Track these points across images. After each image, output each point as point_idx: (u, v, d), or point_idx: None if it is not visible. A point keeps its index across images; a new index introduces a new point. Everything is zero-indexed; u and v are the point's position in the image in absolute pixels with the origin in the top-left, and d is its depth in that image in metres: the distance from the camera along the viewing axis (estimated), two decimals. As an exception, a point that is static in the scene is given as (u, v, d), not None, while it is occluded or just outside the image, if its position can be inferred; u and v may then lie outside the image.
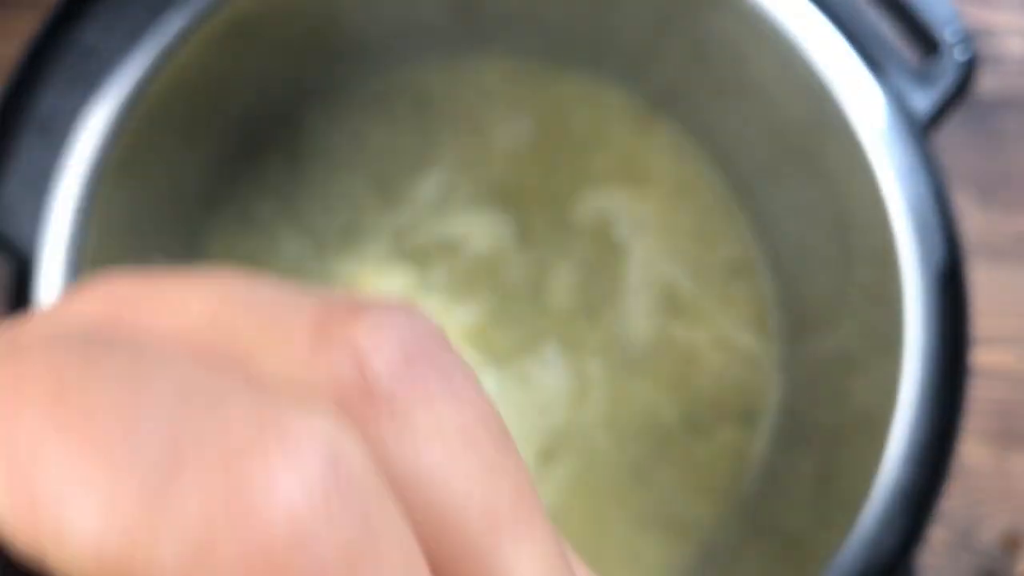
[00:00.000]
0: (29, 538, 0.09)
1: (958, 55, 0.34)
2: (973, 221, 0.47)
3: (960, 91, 0.34)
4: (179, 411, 0.09)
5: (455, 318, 0.43)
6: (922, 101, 0.34)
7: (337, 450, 0.09)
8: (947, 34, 0.34)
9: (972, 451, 0.46)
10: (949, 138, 0.48)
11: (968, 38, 0.34)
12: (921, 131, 0.33)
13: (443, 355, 0.11)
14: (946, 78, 0.34)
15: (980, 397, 0.46)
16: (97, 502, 0.09)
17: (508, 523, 0.11)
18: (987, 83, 0.47)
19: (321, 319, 0.11)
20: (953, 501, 0.46)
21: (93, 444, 0.09)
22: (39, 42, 0.33)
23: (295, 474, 0.09)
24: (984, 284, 0.47)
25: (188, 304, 0.11)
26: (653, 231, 0.44)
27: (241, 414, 0.09)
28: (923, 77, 0.34)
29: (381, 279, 0.43)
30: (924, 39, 0.34)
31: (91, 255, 0.32)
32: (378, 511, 0.09)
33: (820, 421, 0.39)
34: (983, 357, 0.46)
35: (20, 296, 0.32)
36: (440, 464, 0.10)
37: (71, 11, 0.33)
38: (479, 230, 0.44)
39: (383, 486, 0.10)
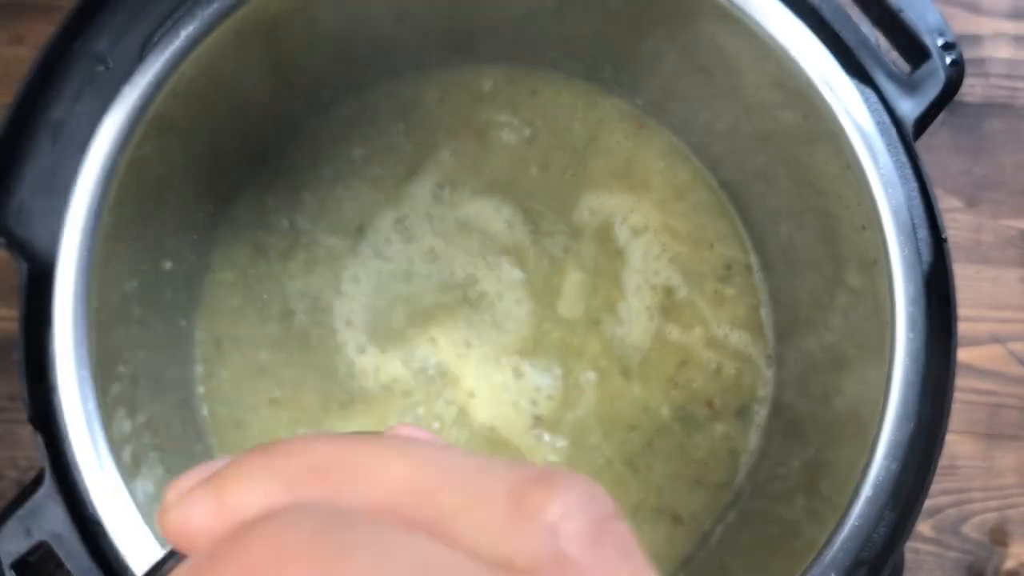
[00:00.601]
0: None
1: (946, 62, 0.34)
2: (959, 223, 0.48)
3: (947, 97, 0.35)
4: None
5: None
6: (910, 107, 0.34)
7: None
8: (936, 43, 0.34)
9: (959, 447, 0.47)
10: (936, 142, 0.48)
11: (956, 46, 0.35)
12: (909, 137, 0.34)
13: (623, 531, 0.13)
14: (934, 85, 0.34)
15: (966, 394, 0.47)
16: None
17: None
18: (974, 88, 0.48)
19: (514, 491, 0.13)
20: (941, 496, 0.47)
21: None
22: (51, 50, 0.33)
23: None
24: (970, 284, 0.48)
25: (387, 474, 0.13)
26: (650, 234, 0.44)
27: None
28: (911, 84, 0.34)
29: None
30: (913, 47, 0.35)
31: (103, 257, 0.33)
32: None
33: (811, 417, 0.39)
34: (969, 355, 0.47)
35: (35, 296, 0.32)
36: None
37: (82, 20, 0.33)
38: (490, 217, 0.44)
39: None
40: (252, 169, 0.43)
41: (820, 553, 0.32)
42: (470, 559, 0.12)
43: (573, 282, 0.44)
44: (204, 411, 0.42)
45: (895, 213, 0.33)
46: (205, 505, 0.14)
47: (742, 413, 0.43)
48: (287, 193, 0.44)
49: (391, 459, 0.13)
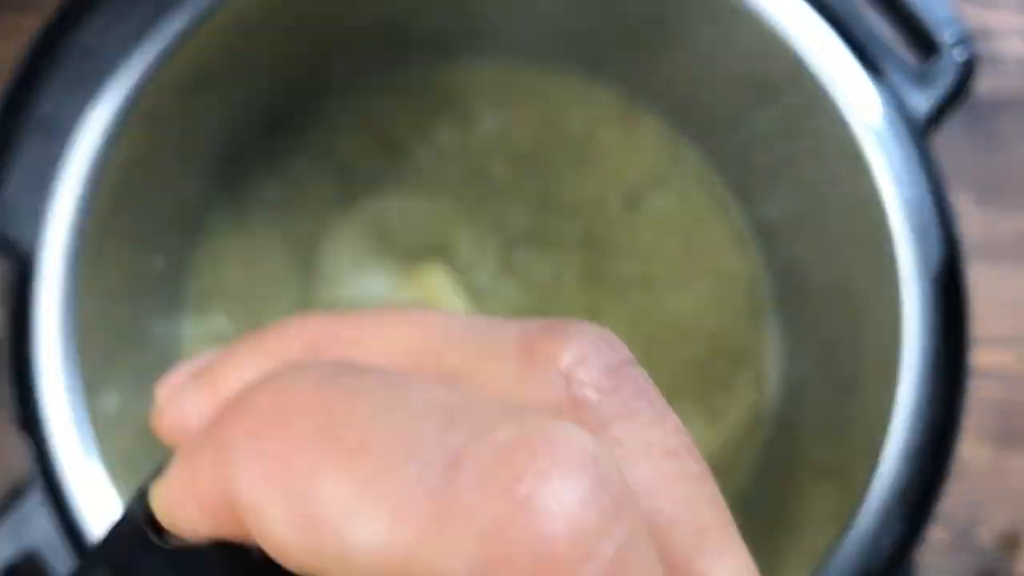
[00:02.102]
0: (309, 558, 0.10)
1: (957, 57, 0.34)
2: (972, 221, 0.47)
3: (959, 92, 0.34)
4: (445, 428, 0.10)
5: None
6: (921, 102, 0.34)
7: (600, 462, 0.10)
8: (946, 36, 0.34)
9: (971, 451, 0.47)
10: (948, 139, 0.48)
11: (967, 39, 0.34)
12: (920, 132, 0.34)
13: (638, 375, 0.12)
14: (945, 79, 0.34)
15: (979, 397, 0.46)
16: (382, 519, 0.10)
17: (714, 540, 0.11)
18: (986, 84, 0.48)
19: (524, 342, 0.12)
20: (952, 501, 0.46)
21: (372, 469, 0.10)
22: (39, 44, 0.33)
23: (571, 484, 0.10)
24: (983, 284, 0.47)
25: (392, 336, 0.12)
26: (651, 241, 0.44)
27: (503, 428, 0.10)
28: (922, 78, 0.34)
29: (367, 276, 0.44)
30: (923, 41, 0.34)
31: (91, 256, 0.32)
32: (635, 521, 0.10)
33: (821, 419, 0.39)
34: (982, 357, 0.47)
35: (21, 296, 0.32)
36: (649, 482, 0.11)
37: (71, 13, 0.33)
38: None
39: (635, 497, 0.10)
40: (242, 166, 0.43)
41: (828, 560, 0.32)
42: (502, 404, 0.11)
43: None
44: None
45: (906, 210, 0.33)
46: (199, 395, 0.13)
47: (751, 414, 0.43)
48: (275, 192, 0.44)
49: (392, 325, 0.13)
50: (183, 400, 0.13)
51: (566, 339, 0.12)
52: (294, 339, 0.13)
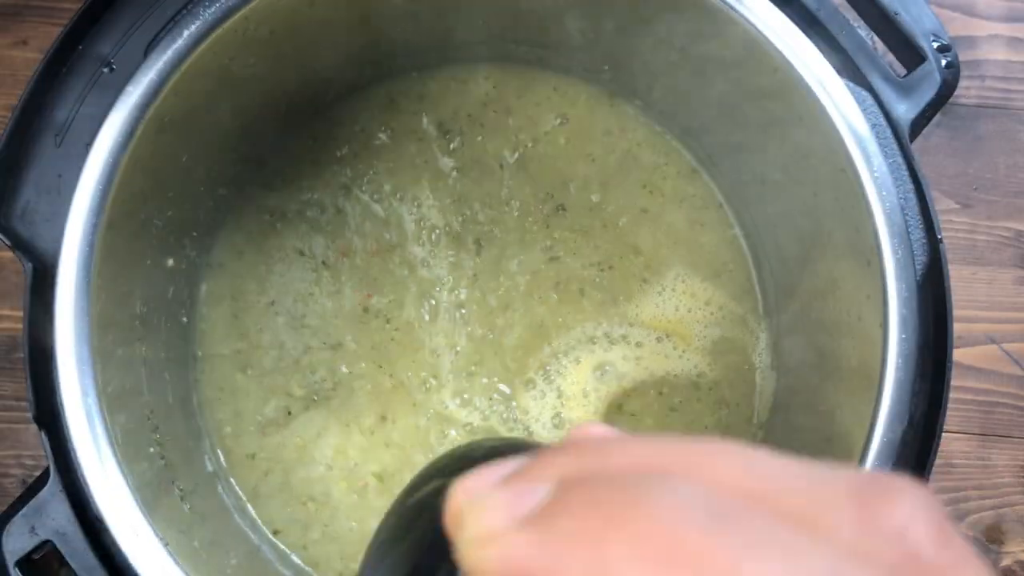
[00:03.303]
0: None
1: (942, 65, 0.34)
2: (955, 224, 0.48)
3: (943, 100, 0.35)
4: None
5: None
6: (906, 110, 0.34)
7: None
8: (931, 45, 0.34)
9: (955, 446, 0.47)
10: (931, 144, 0.48)
11: (952, 48, 0.35)
12: (905, 138, 0.34)
13: (959, 533, 0.14)
14: (930, 87, 0.34)
15: (962, 394, 0.47)
16: None
17: None
18: (968, 90, 0.48)
19: (857, 498, 0.13)
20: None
21: None
22: (56, 52, 0.33)
23: None
24: (966, 285, 0.48)
25: (723, 472, 0.14)
26: (654, 241, 0.44)
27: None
28: (907, 87, 0.35)
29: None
30: (909, 50, 0.35)
31: (105, 256, 0.33)
32: None
33: (806, 418, 0.39)
34: (965, 355, 0.47)
35: (39, 296, 0.32)
36: None
37: (87, 23, 0.33)
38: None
39: None
40: (253, 170, 0.43)
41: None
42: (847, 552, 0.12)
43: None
44: (203, 408, 0.42)
45: (888, 215, 0.33)
46: (529, 546, 0.14)
47: (743, 408, 0.44)
48: (284, 197, 0.44)
49: (721, 461, 0.14)
50: (510, 547, 0.14)
51: (898, 498, 0.13)
52: (590, 451, 0.14)
